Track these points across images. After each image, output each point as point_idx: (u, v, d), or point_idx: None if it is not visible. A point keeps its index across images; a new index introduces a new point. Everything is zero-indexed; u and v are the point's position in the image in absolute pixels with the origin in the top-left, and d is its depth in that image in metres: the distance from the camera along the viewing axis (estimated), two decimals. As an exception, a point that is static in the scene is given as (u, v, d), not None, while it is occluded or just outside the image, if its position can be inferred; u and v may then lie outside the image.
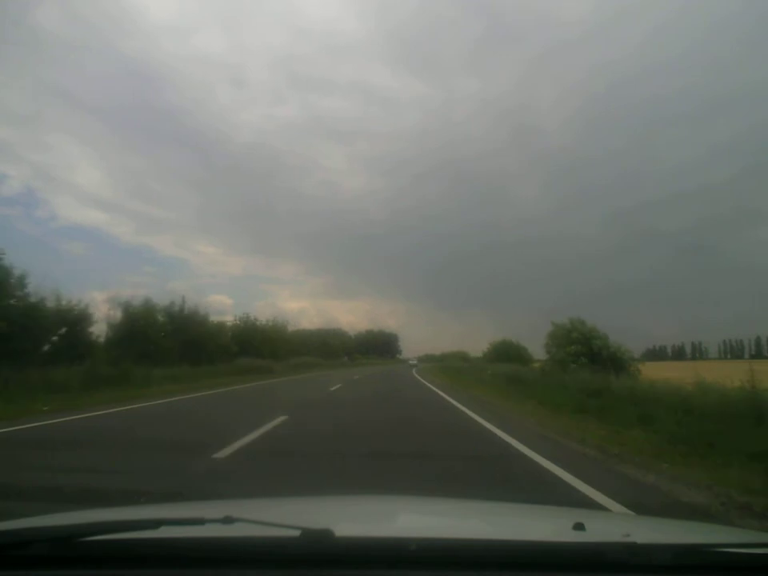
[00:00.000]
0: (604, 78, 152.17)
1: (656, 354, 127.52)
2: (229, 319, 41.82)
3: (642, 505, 4.32)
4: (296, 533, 1.32)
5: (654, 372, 17.02)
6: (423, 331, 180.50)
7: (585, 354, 19.77)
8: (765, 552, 1.42)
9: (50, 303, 20.31)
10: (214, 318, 35.03)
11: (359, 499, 2.75)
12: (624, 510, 3.99)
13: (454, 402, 14.59)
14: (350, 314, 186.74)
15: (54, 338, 20.55)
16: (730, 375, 9.86)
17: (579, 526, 1.52)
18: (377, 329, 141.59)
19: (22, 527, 1.62)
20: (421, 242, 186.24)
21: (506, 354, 37.22)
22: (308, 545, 1.30)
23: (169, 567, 1.33)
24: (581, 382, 14.05)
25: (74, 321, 21.30)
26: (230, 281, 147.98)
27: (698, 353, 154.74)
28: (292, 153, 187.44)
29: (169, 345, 26.79)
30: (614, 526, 1.97)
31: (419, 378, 33.14)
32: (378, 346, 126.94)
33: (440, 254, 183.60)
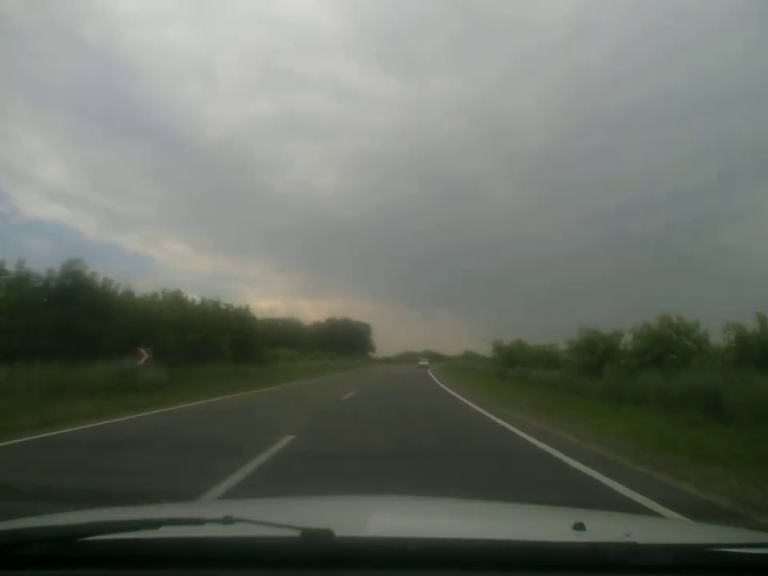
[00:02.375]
0: (581, 80, 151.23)
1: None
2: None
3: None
4: (296, 533, 1.32)
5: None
6: (397, 330, 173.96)
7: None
8: (765, 552, 1.42)
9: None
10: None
11: (359, 499, 2.76)
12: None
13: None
14: (321, 312, 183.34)
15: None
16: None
17: (579, 526, 1.52)
18: (341, 317, 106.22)
19: (22, 527, 1.62)
20: (394, 241, 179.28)
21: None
22: (308, 545, 1.30)
23: (169, 567, 1.33)
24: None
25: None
26: (198, 279, 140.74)
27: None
28: (262, 149, 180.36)
29: None
30: (614, 526, 1.97)
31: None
32: (343, 340, 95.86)
33: (414, 253, 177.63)
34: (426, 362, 73.55)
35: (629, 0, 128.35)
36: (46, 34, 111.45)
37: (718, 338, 15.06)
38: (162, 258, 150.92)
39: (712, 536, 1.86)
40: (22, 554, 1.36)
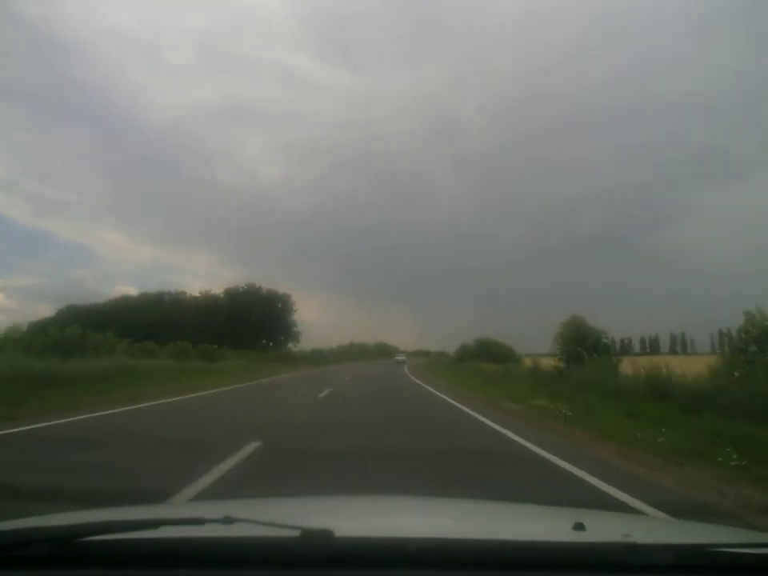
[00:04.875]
0: (533, 86, 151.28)
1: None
2: None
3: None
4: (296, 533, 1.31)
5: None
6: (342, 323, 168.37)
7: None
8: (765, 552, 1.42)
9: None
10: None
11: (359, 499, 2.76)
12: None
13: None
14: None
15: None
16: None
17: (579, 526, 1.52)
18: (245, 284, 71.56)
19: (22, 527, 1.62)
20: (340, 235, 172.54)
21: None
22: (308, 545, 1.30)
23: (169, 567, 1.33)
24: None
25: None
26: (137, 271, 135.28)
27: (678, 345, 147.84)
28: (207, 138, 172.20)
29: None
30: (614, 525, 1.97)
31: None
32: (247, 320, 64.80)
33: (360, 248, 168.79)
34: (403, 357, 62.00)
35: (585, 12, 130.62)
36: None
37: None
38: (98, 247, 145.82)
39: (712, 536, 1.85)
40: (22, 554, 1.36)
